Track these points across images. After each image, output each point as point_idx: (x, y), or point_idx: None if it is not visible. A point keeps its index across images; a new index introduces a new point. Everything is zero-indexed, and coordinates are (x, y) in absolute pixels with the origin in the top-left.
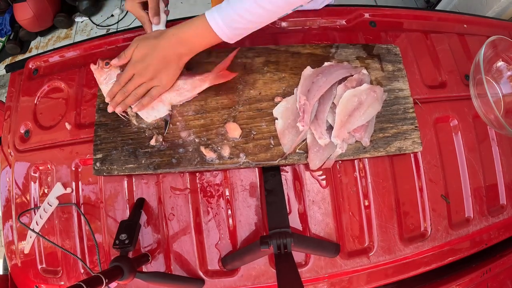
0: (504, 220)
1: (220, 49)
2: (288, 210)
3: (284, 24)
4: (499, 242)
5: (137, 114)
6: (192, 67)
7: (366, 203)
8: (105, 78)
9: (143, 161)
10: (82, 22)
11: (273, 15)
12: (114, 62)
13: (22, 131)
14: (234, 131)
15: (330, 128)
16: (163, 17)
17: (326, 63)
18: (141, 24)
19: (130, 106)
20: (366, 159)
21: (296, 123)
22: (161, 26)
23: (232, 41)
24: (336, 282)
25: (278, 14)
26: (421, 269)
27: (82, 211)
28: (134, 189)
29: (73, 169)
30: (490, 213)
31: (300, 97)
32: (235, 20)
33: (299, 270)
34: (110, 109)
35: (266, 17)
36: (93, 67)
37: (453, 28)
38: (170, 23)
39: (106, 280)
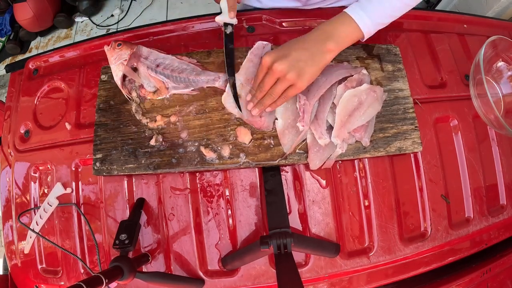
0: (504, 220)
1: (219, 49)
2: (288, 210)
3: (284, 24)
4: (499, 242)
5: (140, 100)
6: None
7: (366, 203)
8: (115, 58)
9: (143, 161)
10: (82, 22)
11: (409, 8)
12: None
13: (22, 131)
14: (244, 135)
15: (330, 128)
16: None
17: None
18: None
19: (136, 92)
20: (366, 159)
21: (296, 123)
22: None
23: (367, 37)
24: (336, 282)
25: (411, 7)
26: (421, 269)
27: (82, 211)
28: (134, 189)
29: (73, 169)
30: (490, 213)
31: (300, 97)
32: (381, 16)
33: (299, 270)
34: (250, 107)
35: (404, 10)
36: (106, 47)
37: (453, 28)
38: (170, 23)
39: (106, 280)
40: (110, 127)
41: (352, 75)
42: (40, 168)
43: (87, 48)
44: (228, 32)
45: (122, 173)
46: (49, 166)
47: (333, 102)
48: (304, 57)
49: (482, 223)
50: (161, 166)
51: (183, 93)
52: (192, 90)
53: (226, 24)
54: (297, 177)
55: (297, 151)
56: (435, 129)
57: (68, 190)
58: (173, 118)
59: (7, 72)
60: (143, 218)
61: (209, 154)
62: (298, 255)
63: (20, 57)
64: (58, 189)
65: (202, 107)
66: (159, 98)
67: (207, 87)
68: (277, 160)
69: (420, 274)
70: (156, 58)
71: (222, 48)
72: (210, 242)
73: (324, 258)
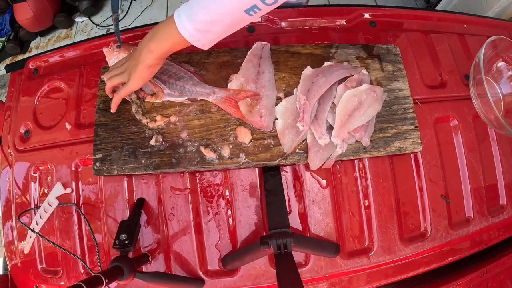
0: (504, 220)
1: (219, 49)
2: (288, 210)
3: (284, 24)
4: (499, 242)
5: (139, 102)
6: (192, 67)
7: (366, 203)
8: (114, 60)
9: (143, 161)
10: (82, 22)
11: (236, 11)
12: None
13: (22, 131)
14: (244, 135)
15: (330, 128)
16: None
17: (326, 63)
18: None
19: (135, 94)
20: (366, 159)
21: (296, 123)
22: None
23: (201, 45)
24: (336, 282)
25: (242, 8)
26: (421, 269)
27: (82, 211)
28: (134, 189)
29: (73, 169)
30: (490, 213)
31: (300, 97)
32: (201, 20)
33: (299, 270)
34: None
35: (233, 15)
36: (105, 49)
37: (453, 28)
38: None
39: (106, 280)
40: (110, 127)
41: (352, 75)
42: (40, 168)
43: (87, 48)
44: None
45: (122, 173)
46: (49, 166)
47: (333, 102)
48: (134, 59)
49: (482, 223)
50: (161, 166)
51: (177, 101)
52: (186, 99)
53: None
54: (297, 177)
55: (297, 151)
56: (435, 129)
57: (68, 190)
58: (173, 118)
59: (7, 72)
60: (143, 218)
61: (209, 154)
62: (298, 255)
63: (20, 57)
64: (58, 189)
65: (202, 107)
66: (157, 101)
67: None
68: (277, 160)
69: (420, 274)
70: None
71: (223, 48)
72: (210, 242)
73: (324, 258)
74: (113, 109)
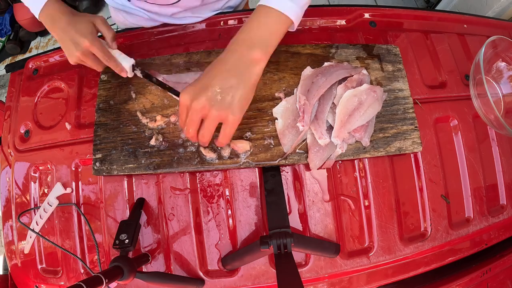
0: (504, 220)
1: (219, 49)
2: (288, 210)
3: None
4: (499, 242)
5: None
6: (192, 67)
7: (366, 203)
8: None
9: (143, 161)
10: None
11: None
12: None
13: (22, 131)
14: (245, 147)
15: (330, 128)
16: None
17: (326, 63)
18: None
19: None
20: (366, 159)
21: (296, 123)
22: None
23: (297, 24)
24: (336, 282)
25: None
26: (421, 269)
27: (82, 211)
28: (134, 189)
29: (73, 169)
30: (490, 213)
31: (300, 97)
32: None
33: (299, 270)
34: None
35: None
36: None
37: (453, 28)
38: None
39: (106, 280)
40: (110, 127)
41: (352, 75)
42: (40, 168)
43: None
44: (144, 75)
45: (122, 173)
46: (49, 166)
47: (333, 102)
48: (228, 83)
49: (482, 223)
50: (161, 166)
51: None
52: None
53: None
54: (297, 177)
55: (297, 151)
56: (435, 129)
57: (68, 190)
58: (173, 118)
59: (7, 72)
60: (143, 218)
61: (209, 154)
62: (298, 255)
63: (20, 57)
64: (58, 189)
65: None
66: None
67: None
68: (277, 160)
69: (420, 274)
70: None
71: (223, 48)
72: (210, 242)
73: (324, 258)
74: (220, 145)
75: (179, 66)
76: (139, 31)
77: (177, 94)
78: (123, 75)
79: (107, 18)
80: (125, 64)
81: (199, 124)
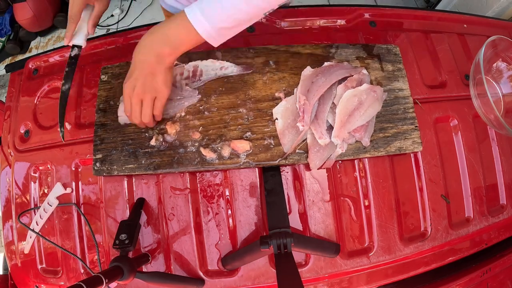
0: (504, 220)
1: (219, 49)
2: (288, 210)
3: (284, 24)
4: (499, 242)
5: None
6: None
7: (366, 203)
8: None
9: (143, 161)
10: None
11: (259, 10)
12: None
13: (22, 131)
14: (244, 147)
15: (330, 128)
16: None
17: (326, 63)
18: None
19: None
20: (366, 159)
21: (296, 123)
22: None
23: (216, 43)
24: (336, 282)
25: (262, 9)
26: (421, 269)
27: (82, 211)
28: (134, 189)
29: (73, 169)
30: (490, 213)
31: (300, 97)
32: (221, 19)
33: (299, 270)
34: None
35: (252, 12)
36: None
37: (453, 28)
38: None
39: (106, 280)
40: (110, 127)
41: (352, 75)
42: (40, 168)
43: (87, 48)
44: (72, 55)
45: (122, 173)
46: (49, 166)
47: (333, 102)
48: (147, 71)
49: (482, 223)
50: (161, 166)
51: None
52: None
53: (73, 46)
54: (297, 177)
55: (297, 151)
56: (435, 129)
57: (68, 190)
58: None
59: (7, 72)
60: (143, 218)
61: (209, 155)
62: (298, 255)
63: (20, 57)
64: (58, 189)
65: (202, 107)
66: None
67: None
68: (277, 160)
69: (420, 274)
70: None
71: (223, 48)
72: (210, 242)
73: (324, 258)
74: (158, 120)
75: None
76: (139, 31)
77: None
78: (65, 42)
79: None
80: (80, 34)
81: (140, 107)
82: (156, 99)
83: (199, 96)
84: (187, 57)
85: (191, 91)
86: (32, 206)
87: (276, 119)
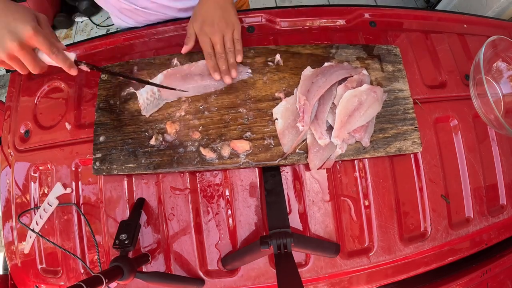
0: (504, 220)
1: None
2: (288, 210)
3: (284, 24)
4: (499, 242)
5: None
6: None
7: (366, 203)
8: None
9: (142, 161)
10: (82, 22)
11: None
12: (185, 49)
13: (22, 131)
14: (244, 147)
15: (330, 128)
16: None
17: (326, 64)
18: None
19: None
20: (366, 159)
21: (296, 123)
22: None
23: None
24: (336, 282)
25: None
26: (421, 269)
27: (82, 211)
28: (134, 189)
29: (73, 169)
30: (490, 213)
31: (300, 97)
32: None
33: (299, 270)
34: (227, 81)
35: None
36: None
37: (453, 28)
38: (170, 23)
39: (106, 280)
40: (110, 126)
41: (352, 76)
42: (40, 168)
43: (87, 48)
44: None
45: (122, 173)
46: (49, 166)
47: (333, 103)
48: (219, 7)
49: (482, 223)
50: (161, 165)
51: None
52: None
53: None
54: (297, 177)
55: (297, 151)
56: (435, 129)
57: (68, 190)
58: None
59: (7, 72)
60: (143, 218)
61: (209, 154)
62: (298, 255)
63: None
64: (58, 189)
65: (202, 107)
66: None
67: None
68: (277, 160)
69: (420, 274)
70: None
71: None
72: (210, 242)
73: (324, 258)
74: (240, 59)
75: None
76: (139, 31)
77: (142, 81)
78: (72, 72)
79: (107, 18)
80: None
81: (223, 44)
82: (235, 31)
83: (251, 73)
84: (188, 57)
85: (242, 67)
86: (32, 206)
87: (276, 119)
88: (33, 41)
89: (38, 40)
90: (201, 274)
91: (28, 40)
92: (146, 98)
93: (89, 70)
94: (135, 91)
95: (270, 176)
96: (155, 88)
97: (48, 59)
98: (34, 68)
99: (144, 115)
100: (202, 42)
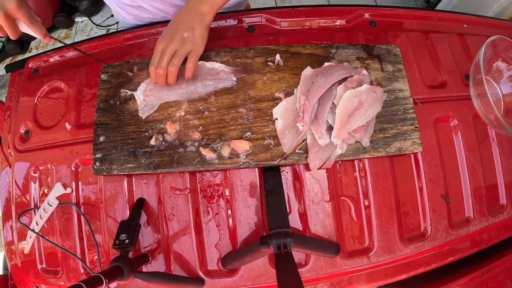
0: (504, 220)
1: (219, 49)
2: (288, 210)
3: (284, 24)
4: (499, 242)
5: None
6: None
7: (366, 203)
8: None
9: (142, 161)
10: (82, 22)
11: None
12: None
13: (22, 131)
14: (244, 147)
15: (330, 128)
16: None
17: (326, 64)
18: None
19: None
20: (366, 159)
21: (296, 123)
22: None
23: None
24: (336, 282)
25: None
26: (421, 269)
27: (82, 211)
28: (134, 189)
29: (73, 169)
30: (490, 213)
31: (300, 97)
32: None
33: (299, 270)
34: (156, 82)
35: None
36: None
37: (453, 28)
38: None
39: (106, 280)
40: (110, 126)
41: (352, 76)
42: (40, 168)
43: (87, 48)
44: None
45: (122, 173)
46: (49, 166)
47: (333, 103)
48: (187, 25)
49: (482, 223)
50: (161, 166)
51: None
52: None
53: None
54: (297, 177)
55: (297, 151)
56: (435, 129)
57: (68, 190)
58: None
59: (7, 72)
60: (143, 218)
61: (209, 154)
62: (298, 255)
63: (20, 57)
64: (58, 189)
65: (202, 107)
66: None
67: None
68: (277, 160)
69: (420, 274)
70: None
71: (223, 48)
72: (210, 242)
73: (324, 258)
74: (189, 76)
75: None
76: (139, 31)
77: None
78: (46, 40)
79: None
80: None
81: (171, 56)
82: (192, 53)
83: (235, 81)
84: None
85: (227, 73)
86: (32, 206)
87: (276, 119)
88: (16, 13)
89: (20, 13)
90: (201, 274)
91: (12, 12)
92: (142, 100)
93: (59, 43)
94: (133, 93)
95: (270, 176)
96: (142, 93)
97: (26, 29)
98: (12, 34)
99: None
100: (155, 50)
